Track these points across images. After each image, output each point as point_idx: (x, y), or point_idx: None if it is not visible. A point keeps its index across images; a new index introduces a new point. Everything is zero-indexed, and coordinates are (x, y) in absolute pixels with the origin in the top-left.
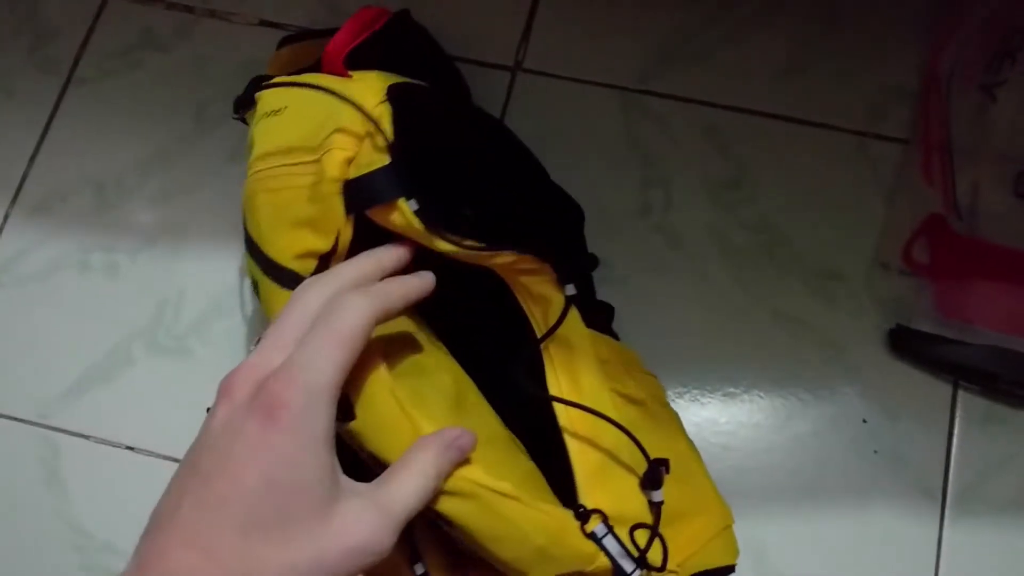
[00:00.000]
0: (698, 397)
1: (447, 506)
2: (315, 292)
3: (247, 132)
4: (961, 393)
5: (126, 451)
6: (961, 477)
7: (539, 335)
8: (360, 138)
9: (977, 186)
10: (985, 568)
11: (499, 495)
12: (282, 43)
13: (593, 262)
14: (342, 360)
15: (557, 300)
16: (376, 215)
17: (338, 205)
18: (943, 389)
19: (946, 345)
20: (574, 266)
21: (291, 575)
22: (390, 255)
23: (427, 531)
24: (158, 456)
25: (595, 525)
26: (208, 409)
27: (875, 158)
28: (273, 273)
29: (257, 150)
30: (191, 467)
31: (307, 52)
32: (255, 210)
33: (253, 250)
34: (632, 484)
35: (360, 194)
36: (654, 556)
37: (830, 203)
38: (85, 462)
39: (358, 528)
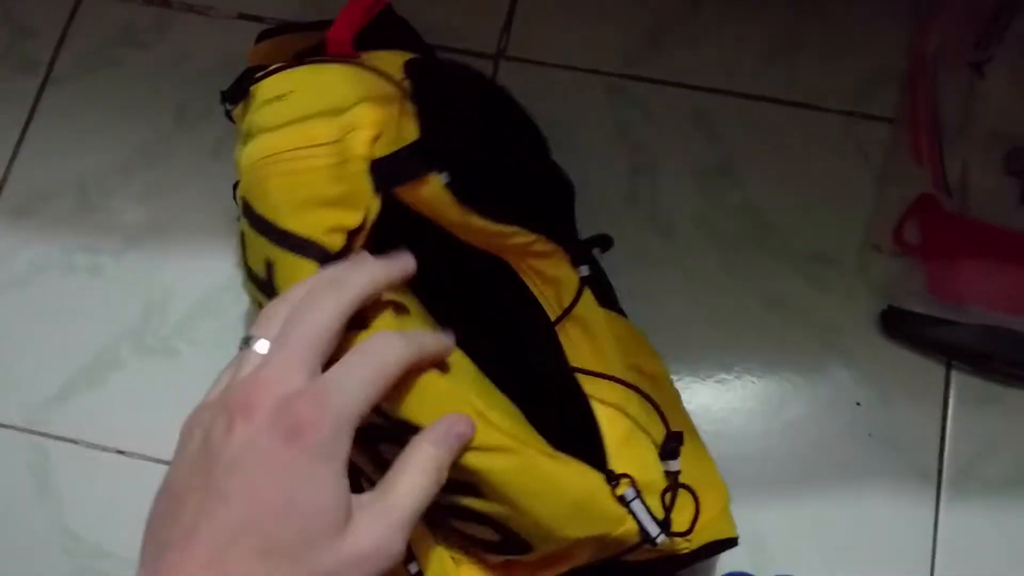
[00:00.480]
0: (691, 384)
1: (483, 462)
2: (329, 304)
3: (230, 127)
4: (954, 373)
5: (116, 455)
6: (956, 458)
7: (553, 317)
8: (387, 110)
9: (967, 164)
10: (981, 548)
11: (536, 451)
12: (260, 37)
13: (607, 242)
14: (374, 396)
15: (570, 281)
16: (405, 192)
17: (366, 183)
18: (936, 370)
19: (939, 326)
20: (588, 247)
21: None
22: (398, 268)
23: (419, 531)
24: (148, 459)
25: (625, 489)
26: (193, 415)
27: (864, 139)
28: (297, 247)
29: (263, 136)
30: (204, 486)
31: (288, 46)
32: (267, 194)
33: (267, 229)
34: (653, 453)
35: (390, 171)
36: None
37: (819, 185)
38: (74, 467)
39: (370, 540)
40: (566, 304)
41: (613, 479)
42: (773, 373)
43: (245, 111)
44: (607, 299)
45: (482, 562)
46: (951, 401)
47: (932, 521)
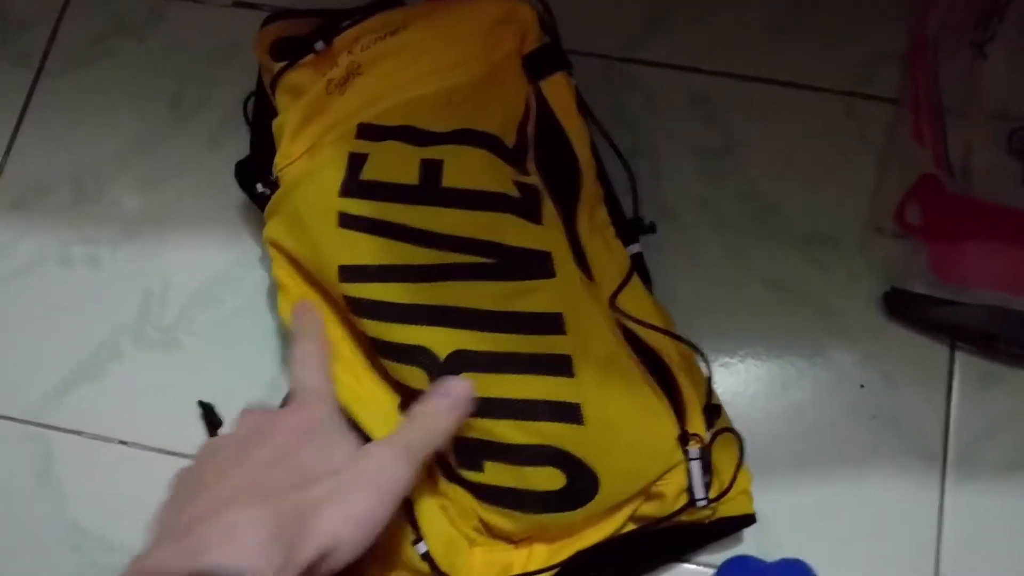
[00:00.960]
0: None
1: (588, 367)
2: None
3: (227, 116)
4: (958, 354)
5: (119, 446)
6: (961, 439)
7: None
8: (524, 16)
9: (969, 144)
10: (988, 529)
11: (638, 371)
12: (267, 21)
13: (653, 228)
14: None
15: (622, 256)
16: (547, 85)
17: (521, 77)
18: (940, 351)
19: (942, 306)
20: (636, 229)
21: (333, 498)
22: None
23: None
24: (151, 450)
25: (694, 447)
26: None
27: (865, 120)
28: (472, 140)
29: (392, 64)
30: (239, 444)
31: (295, 29)
32: (417, 107)
33: (419, 136)
34: (703, 421)
35: (542, 62)
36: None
37: (820, 168)
38: (78, 459)
39: (377, 460)
40: (613, 278)
41: (687, 437)
42: (776, 356)
43: (323, 62)
44: (647, 285)
45: (503, 540)
46: (955, 382)
47: (937, 502)
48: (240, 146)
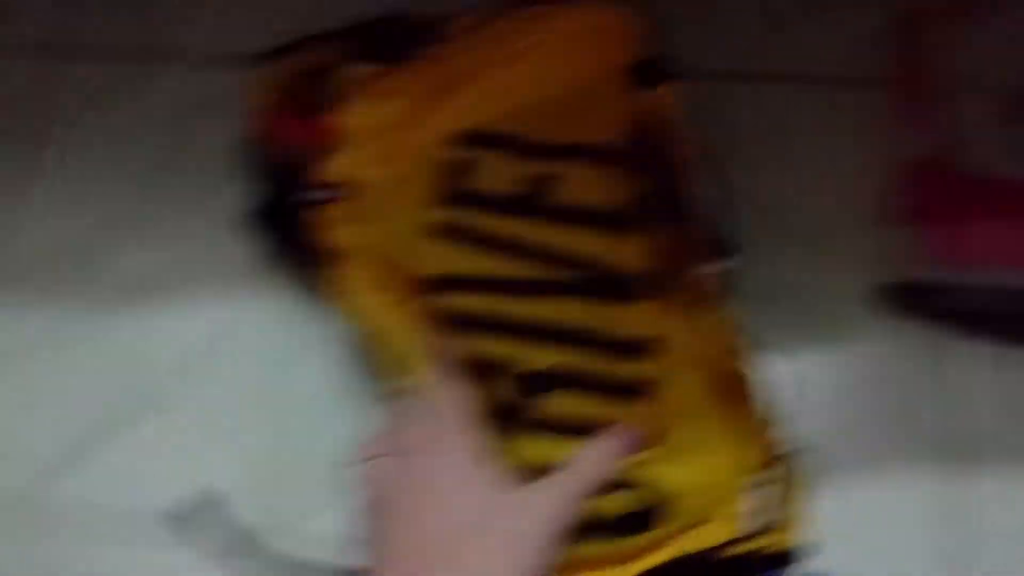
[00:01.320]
0: None
1: (673, 393)
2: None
3: (217, 171)
4: (965, 340)
5: (124, 514)
6: (982, 426)
7: None
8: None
9: (962, 120)
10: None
11: (721, 396)
12: (265, 60)
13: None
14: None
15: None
16: (652, 96)
17: (626, 87)
18: (948, 339)
19: (947, 293)
20: (722, 246)
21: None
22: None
23: None
24: (153, 518)
25: (759, 475)
26: None
27: (852, 105)
28: (586, 153)
29: (500, 72)
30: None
31: (295, 69)
32: (532, 114)
33: (532, 149)
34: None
35: (646, 74)
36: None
37: (809, 158)
38: (86, 530)
39: (546, 504)
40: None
41: (756, 464)
42: (784, 361)
43: (415, 69)
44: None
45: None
46: (967, 369)
47: (971, 496)
48: (229, 201)
